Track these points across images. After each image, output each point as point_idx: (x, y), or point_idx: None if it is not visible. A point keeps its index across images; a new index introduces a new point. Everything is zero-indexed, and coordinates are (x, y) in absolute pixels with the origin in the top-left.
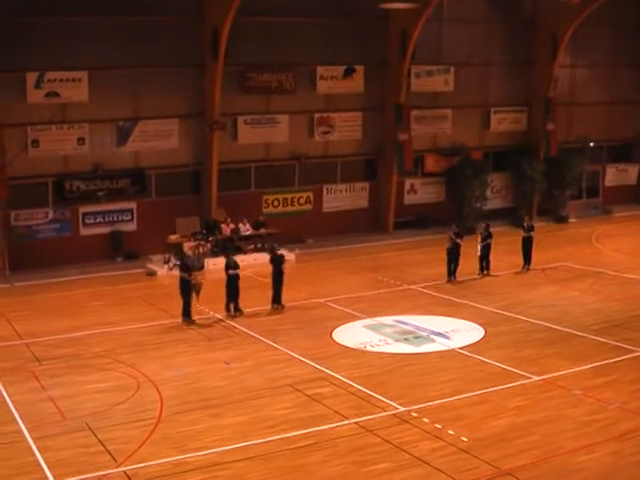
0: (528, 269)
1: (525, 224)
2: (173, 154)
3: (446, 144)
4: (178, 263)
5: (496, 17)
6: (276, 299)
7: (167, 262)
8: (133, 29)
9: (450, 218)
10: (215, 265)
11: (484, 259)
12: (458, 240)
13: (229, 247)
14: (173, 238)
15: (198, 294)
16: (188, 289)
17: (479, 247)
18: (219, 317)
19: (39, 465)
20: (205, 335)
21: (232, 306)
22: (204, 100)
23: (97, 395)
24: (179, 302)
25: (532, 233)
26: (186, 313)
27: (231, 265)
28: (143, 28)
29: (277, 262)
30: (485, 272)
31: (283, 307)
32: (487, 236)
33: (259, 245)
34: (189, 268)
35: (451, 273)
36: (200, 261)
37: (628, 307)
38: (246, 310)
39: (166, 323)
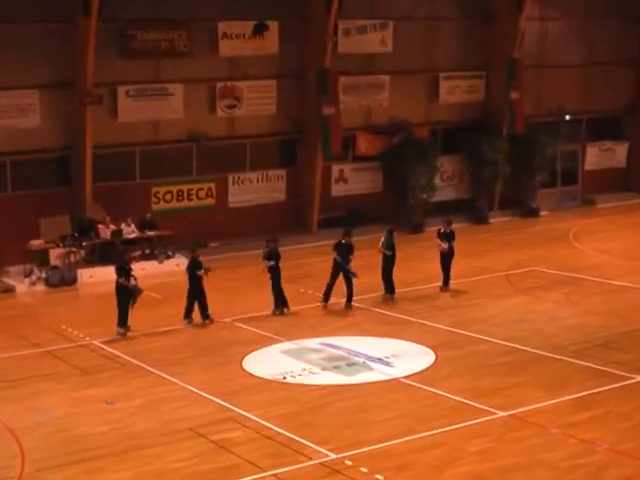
0: (446, 289)
1: (442, 230)
2: (34, 135)
3: (383, 120)
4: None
5: None
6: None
7: (28, 275)
8: None
9: (390, 214)
10: (91, 278)
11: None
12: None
13: (111, 254)
14: (36, 244)
15: (135, 301)
16: (126, 296)
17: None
18: (97, 344)
19: None
20: (80, 367)
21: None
22: (74, 66)
23: None
24: (43, 326)
25: (452, 243)
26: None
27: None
28: None
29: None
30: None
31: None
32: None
33: (147, 251)
34: (127, 272)
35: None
36: (72, 273)
37: (614, 322)
38: (132, 333)
39: (28, 353)
